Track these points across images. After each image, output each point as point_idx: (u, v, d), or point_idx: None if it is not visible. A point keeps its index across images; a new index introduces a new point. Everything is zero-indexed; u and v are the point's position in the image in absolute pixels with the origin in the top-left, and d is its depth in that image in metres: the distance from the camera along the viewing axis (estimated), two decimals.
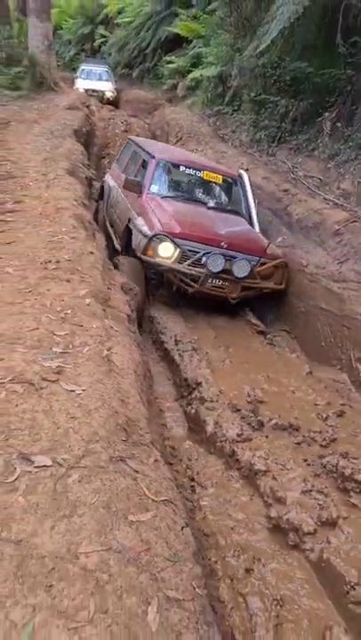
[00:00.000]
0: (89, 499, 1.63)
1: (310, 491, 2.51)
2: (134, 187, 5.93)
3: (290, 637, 1.83)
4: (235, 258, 5.24)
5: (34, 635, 1.22)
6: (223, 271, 5.17)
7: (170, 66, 17.17)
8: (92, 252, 3.76)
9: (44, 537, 1.48)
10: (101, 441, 1.90)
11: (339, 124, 7.22)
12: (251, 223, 6.30)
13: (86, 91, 17.24)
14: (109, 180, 7.70)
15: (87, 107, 13.91)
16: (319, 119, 7.60)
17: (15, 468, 1.72)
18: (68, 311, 2.83)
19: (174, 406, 3.71)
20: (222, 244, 5.29)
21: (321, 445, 3.01)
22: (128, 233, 5.84)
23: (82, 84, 18.11)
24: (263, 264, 5.39)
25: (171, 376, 4.14)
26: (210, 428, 3.15)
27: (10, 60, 17.65)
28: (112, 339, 2.75)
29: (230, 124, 10.71)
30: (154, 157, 6.38)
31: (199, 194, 6.55)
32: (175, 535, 1.66)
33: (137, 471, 1.85)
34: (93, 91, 17.96)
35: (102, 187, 8.06)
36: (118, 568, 1.43)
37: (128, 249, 5.76)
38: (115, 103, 18.16)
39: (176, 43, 17.93)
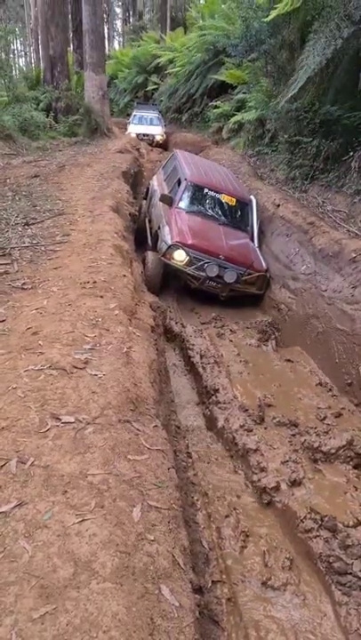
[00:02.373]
0: (99, 443, 2.18)
1: (287, 461, 2.98)
2: (167, 200, 7.68)
3: (250, 549, 2.32)
4: (226, 268, 6.89)
5: (52, 516, 1.77)
6: (217, 276, 6.86)
7: (216, 110, 18.11)
8: (124, 275, 4.38)
9: (64, 464, 2.04)
10: (113, 408, 2.46)
11: None
12: (252, 238, 7.90)
13: (137, 135, 18.40)
14: (154, 183, 9.44)
15: (137, 150, 14.90)
16: (347, 158, 8.12)
17: (47, 423, 2.30)
18: (99, 319, 3.43)
19: (195, 409, 4.22)
20: (220, 256, 6.96)
21: (302, 443, 3.44)
22: (157, 237, 7.66)
23: (134, 129, 19.32)
24: (250, 274, 7.03)
25: (195, 385, 4.66)
26: (220, 423, 3.65)
27: (68, 109, 19.15)
28: (132, 340, 3.32)
29: (269, 164, 11.35)
30: (185, 179, 8.04)
31: (216, 211, 8.04)
32: (163, 472, 2.19)
33: (139, 430, 2.39)
34: (144, 135, 19.12)
35: (148, 188, 9.83)
36: (115, 484, 1.97)
37: (155, 247, 7.66)
38: (163, 145, 19.23)
39: (222, 89, 18.94)
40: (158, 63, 26.25)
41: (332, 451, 3.04)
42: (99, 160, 11.96)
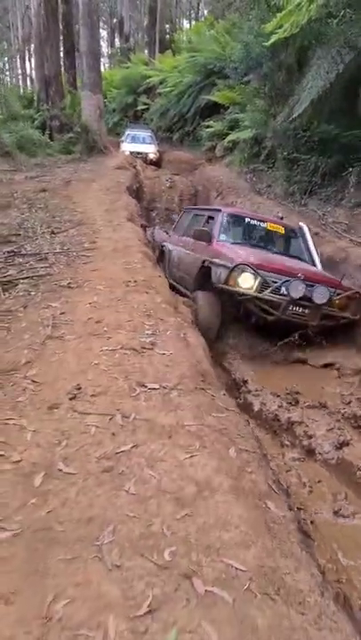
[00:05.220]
0: (186, 403, 2.57)
1: (332, 429, 3.40)
2: (204, 236, 6.47)
3: (317, 492, 2.76)
4: (313, 285, 5.44)
5: (166, 453, 2.15)
6: (303, 298, 5.35)
7: (208, 130, 18.72)
8: (159, 276, 4.79)
9: (161, 418, 2.42)
10: (188, 379, 2.85)
11: None
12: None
13: (131, 153, 18.92)
14: (169, 245, 8.32)
15: (134, 167, 15.43)
16: (345, 174, 8.68)
17: (136, 389, 2.67)
18: (151, 311, 3.83)
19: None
20: (299, 275, 5.46)
21: (342, 414, 3.85)
22: (202, 274, 6.19)
23: (127, 147, 19.82)
24: (339, 294, 5.57)
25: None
26: (256, 407, 4.05)
27: (62, 127, 19.65)
28: (185, 328, 3.73)
29: (266, 180, 11.90)
30: (220, 211, 7.17)
31: (266, 242, 6.99)
32: (241, 426, 2.58)
33: (213, 395, 2.79)
34: (138, 153, 19.63)
35: (162, 251, 8.58)
36: (209, 432, 2.35)
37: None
38: (157, 163, 19.75)
39: (214, 109, 19.57)
40: (148, 84, 26.92)
41: None
42: (101, 176, 12.43)
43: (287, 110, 9.49)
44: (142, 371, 2.87)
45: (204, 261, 6.13)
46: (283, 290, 5.38)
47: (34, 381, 2.79)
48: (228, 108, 18.07)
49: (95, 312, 3.79)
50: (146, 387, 2.70)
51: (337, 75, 8.19)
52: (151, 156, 20.17)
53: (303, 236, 7.19)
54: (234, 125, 16.32)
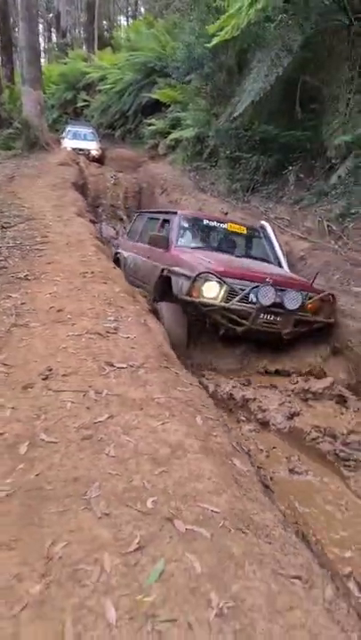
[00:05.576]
0: (153, 380, 2.78)
1: (283, 403, 3.71)
2: (160, 242, 6.05)
3: (274, 456, 3.04)
4: (284, 290, 5.08)
5: (140, 421, 2.36)
6: (274, 304, 5.00)
7: (151, 128, 18.90)
8: (115, 267, 4.97)
9: (132, 393, 2.63)
10: (152, 358, 3.07)
11: (301, 176, 8.71)
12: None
13: (73, 149, 18.84)
14: (123, 252, 7.74)
15: (77, 163, 15.41)
16: (285, 172, 9.10)
17: (105, 369, 2.87)
18: (111, 299, 4.02)
19: None
20: (267, 279, 5.08)
21: (292, 391, 4.16)
22: (162, 283, 5.75)
23: (69, 144, 19.70)
24: (310, 298, 5.27)
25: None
26: (211, 389, 4.30)
27: (1, 123, 19.32)
28: (144, 315, 3.94)
29: (209, 177, 12.23)
30: (175, 213, 6.63)
31: (227, 245, 6.64)
32: (204, 398, 2.82)
33: (177, 372, 3.01)
34: (80, 149, 19.55)
35: (116, 258, 7.84)
36: (176, 404, 2.58)
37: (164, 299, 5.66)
38: (100, 160, 19.75)
39: (155, 107, 19.76)
40: (88, 80, 26.79)
41: (319, 391, 3.78)
42: (45, 172, 12.40)
43: (229, 110, 9.82)
44: (109, 352, 3.06)
45: (163, 270, 5.70)
46: (251, 297, 5.03)
47: (5, 364, 2.93)
48: (170, 106, 18.31)
49: (56, 301, 3.94)
50: (114, 366, 2.89)
51: (276, 77, 8.58)
52: (93, 152, 20.13)
53: (266, 235, 6.92)
54: (176, 124, 16.58)
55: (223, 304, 4.95)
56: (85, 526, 1.76)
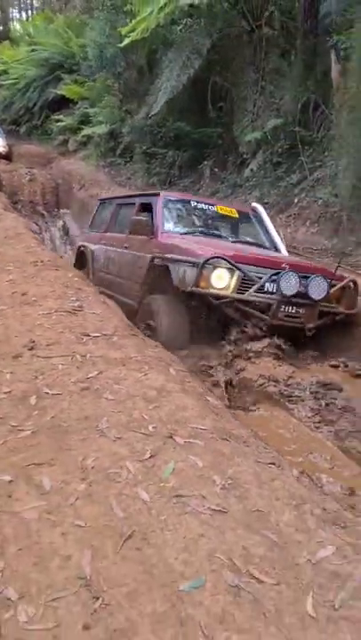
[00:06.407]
0: (127, 344, 3.28)
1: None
2: (143, 227, 5.41)
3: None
4: (307, 277, 4.50)
5: (125, 374, 2.85)
6: (298, 294, 4.45)
7: (59, 124, 18.99)
8: (61, 257, 5.36)
9: (112, 354, 3.11)
10: (121, 329, 3.55)
11: (216, 170, 9.43)
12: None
13: None
14: (90, 245, 7.12)
15: None
16: (201, 166, 9.79)
17: (83, 338, 3.32)
18: (68, 283, 4.43)
19: None
20: (283, 265, 4.56)
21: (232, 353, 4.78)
22: (154, 274, 5.13)
23: None
24: (333, 286, 4.65)
25: None
26: None
27: None
28: (101, 295, 4.39)
29: (124, 173, 12.72)
30: (157, 195, 5.95)
31: (219, 229, 6.09)
32: (171, 355, 3.35)
33: (143, 339, 3.52)
34: None
35: (80, 252, 7.26)
36: (151, 360, 3.10)
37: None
38: (8, 157, 19.51)
39: (62, 103, 19.86)
40: None
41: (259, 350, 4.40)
42: None
43: (145, 108, 10.36)
44: (82, 326, 3.50)
45: (152, 259, 5.08)
46: (267, 287, 4.48)
47: None
48: (77, 102, 18.49)
49: (17, 287, 4.30)
50: (90, 336, 3.34)
51: (188, 77, 9.22)
52: (0, 149, 19.88)
53: (259, 218, 6.36)
54: (85, 120, 16.85)
55: (238, 295, 4.41)
56: (105, 447, 2.24)
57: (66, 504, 1.89)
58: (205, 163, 9.57)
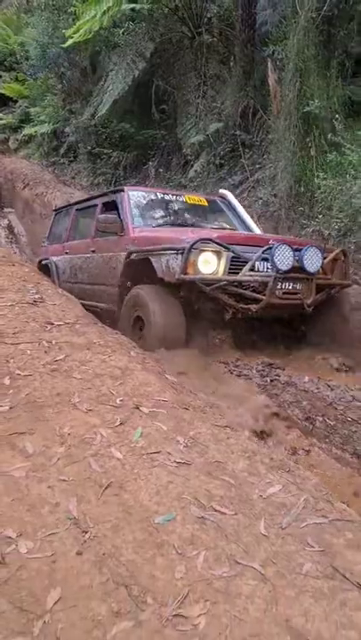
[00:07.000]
0: (90, 331, 3.54)
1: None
2: (112, 225, 5.29)
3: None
4: (300, 249, 4.34)
5: (90, 357, 3.12)
6: (293, 269, 4.30)
7: None
8: (15, 253, 5.53)
9: (76, 340, 3.36)
10: (82, 318, 3.81)
11: (161, 170, 9.74)
12: None
13: None
14: (53, 258, 7.01)
15: None
16: (145, 167, 10.08)
17: (47, 326, 3.55)
18: (26, 277, 4.62)
19: None
20: (270, 241, 4.40)
21: None
22: (132, 271, 5.02)
23: None
24: (324, 258, 4.54)
25: None
26: None
27: None
28: (58, 288, 4.61)
29: (69, 172, 12.85)
30: (122, 191, 5.76)
31: (191, 219, 5.96)
32: (130, 340, 3.64)
33: (103, 326, 3.79)
34: None
35: (44, 266, 7.09)
36: (113, 344, 3.37)
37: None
38: None
39: (1, 101, 19.67)
40: None
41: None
42: None
43: (90, 109, 10.54)
44: (44, 315, 3.73)
45: (129, 255, 4.93)
46: (258, 266, 4.32)
47: None
48: (17, 101, 18.38)
49: None
50: (54, 324, 3.58)
51: (132, 79, 9.49)
52: None
53: (229, 204, 6.36)
54: (25, 119, 16.81)
55: (231, 277, 4.21)
56: (79, 417, 2.51)
57: (49, 464, 2.15)
58: (150, 163, 9.88)
